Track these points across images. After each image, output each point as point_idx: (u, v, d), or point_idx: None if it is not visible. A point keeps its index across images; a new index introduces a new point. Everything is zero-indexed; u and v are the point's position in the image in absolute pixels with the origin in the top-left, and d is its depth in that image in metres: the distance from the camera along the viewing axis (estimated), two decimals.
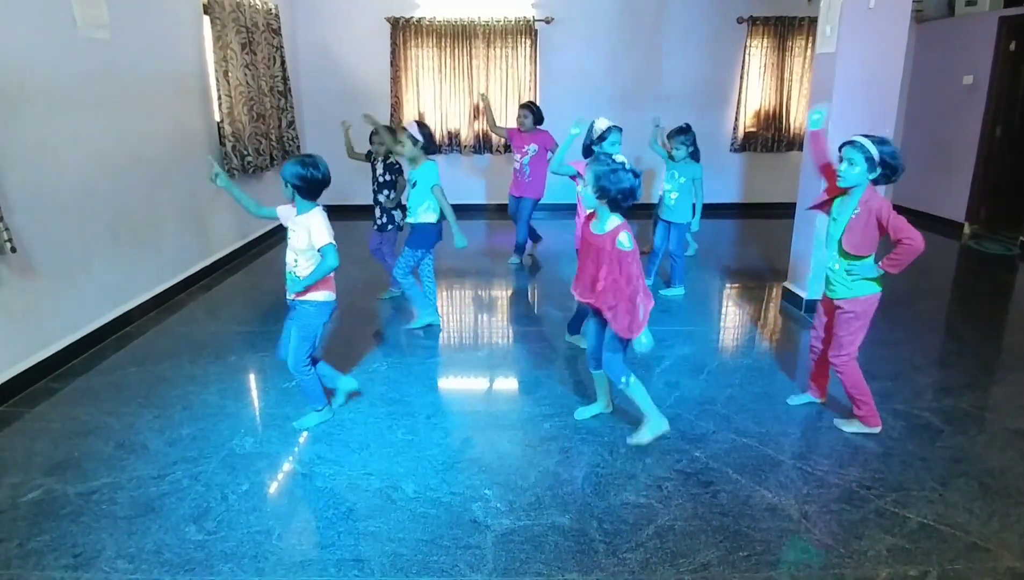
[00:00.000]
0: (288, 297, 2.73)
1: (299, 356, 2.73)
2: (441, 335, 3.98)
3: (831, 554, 2.11)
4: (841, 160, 2.54)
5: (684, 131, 4.38)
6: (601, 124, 3.46)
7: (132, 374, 3.38)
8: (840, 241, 2.59)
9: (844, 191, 2.60)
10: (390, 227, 4.34)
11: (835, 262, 2.65)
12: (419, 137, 3.81)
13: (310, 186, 2.62)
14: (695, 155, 4.41)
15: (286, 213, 2.74)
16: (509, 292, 4.83)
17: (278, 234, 6.30)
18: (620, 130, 3.47)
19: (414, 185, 3.75)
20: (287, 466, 2.61)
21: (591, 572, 2.04)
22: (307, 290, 2.67)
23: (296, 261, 2.66)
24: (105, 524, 2.24)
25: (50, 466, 2.57)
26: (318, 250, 2.63)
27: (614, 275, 2.47)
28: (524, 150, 5.17)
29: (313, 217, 2.64)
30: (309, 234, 2.61)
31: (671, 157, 4.43)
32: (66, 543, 2.15)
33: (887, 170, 2.49)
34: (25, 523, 2.25)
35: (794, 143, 7.22)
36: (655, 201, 5.18)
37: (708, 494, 2.41)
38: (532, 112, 5.15)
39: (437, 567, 2.06)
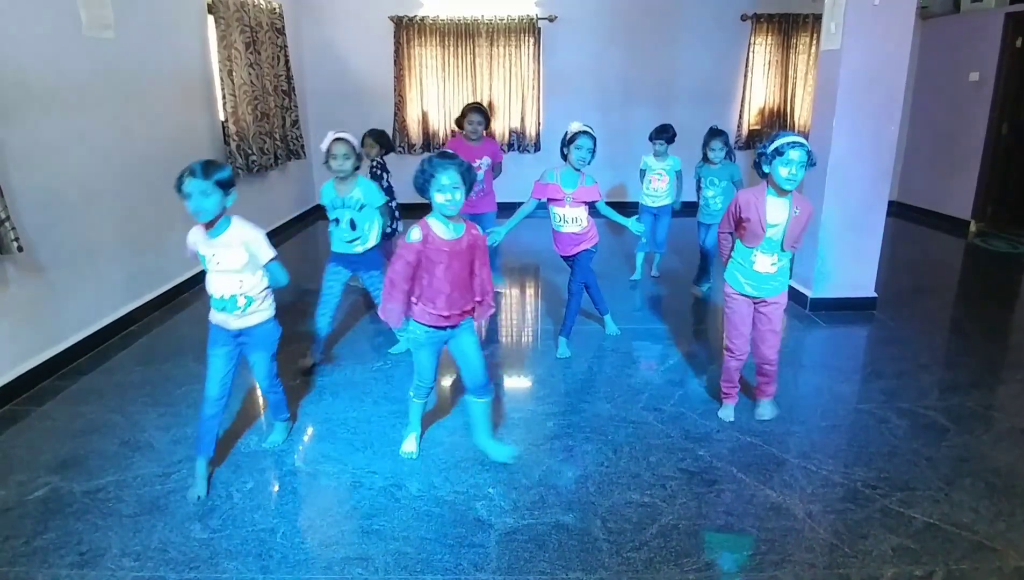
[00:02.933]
0: (230, 328, 2.38)
1: (273, 371, 2.56)
2: None
3: (836, 553, 2.10)
4: (783, 161, 2.46)
5: (718, 133, 4.28)
6: (573, 127, 3.34)
7: (138, 372, 3.39)
8: (783, 241, 2.59)
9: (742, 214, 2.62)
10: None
11: (774, 261, 2.63)
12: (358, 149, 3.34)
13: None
14: (730, 155, 4.34)
15: (198, 237, 2.33)
16: (511, 291, 4.83)
17: (285, 232, 6.32)
18: (592, 137, 3.31)
19: (362, 208, 3.26)
20: (291, 464, 2.61)
21: (595, 571, 2.04)
22: (254, 311, 2.38)
23: (241, 282, 2.33)
24: (111, 522, 2.25)
25: (56, 464, 2.59)
26: (264, 267, 2.36)
27: (486, 265, 2.41)
28: (476, 165, 4.18)
29: (248, 229, 2.33)
30: (248, 251, 2.30)
31: (707, 161, 4.34)
32: (72, 541, 2.16)
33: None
34: (31, 521, 2.26)
35: None
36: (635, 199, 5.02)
37: (712, 493, 2.41)
38: (485, 117, 4.31)
39: (441, 565, 2.06)
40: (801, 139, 2.48)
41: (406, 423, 2.73)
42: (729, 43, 7.03)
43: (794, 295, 4.44)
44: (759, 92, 7.18)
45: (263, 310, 2.42)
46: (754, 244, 2.61)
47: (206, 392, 2.39)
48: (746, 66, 7.05)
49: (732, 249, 2.75)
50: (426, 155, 2.26)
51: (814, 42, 6.92)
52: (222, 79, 5.02)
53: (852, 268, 4.17)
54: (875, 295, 4.27)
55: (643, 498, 2.38)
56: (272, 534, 2.20)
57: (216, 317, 2.39)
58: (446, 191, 2.20)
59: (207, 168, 2.20)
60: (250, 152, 5.38)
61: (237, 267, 2.31)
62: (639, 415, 2.95)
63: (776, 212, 2.57)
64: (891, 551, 2.11)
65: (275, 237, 6.07)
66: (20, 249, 2.96)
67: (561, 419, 2.93)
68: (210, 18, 4.95)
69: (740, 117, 7.19)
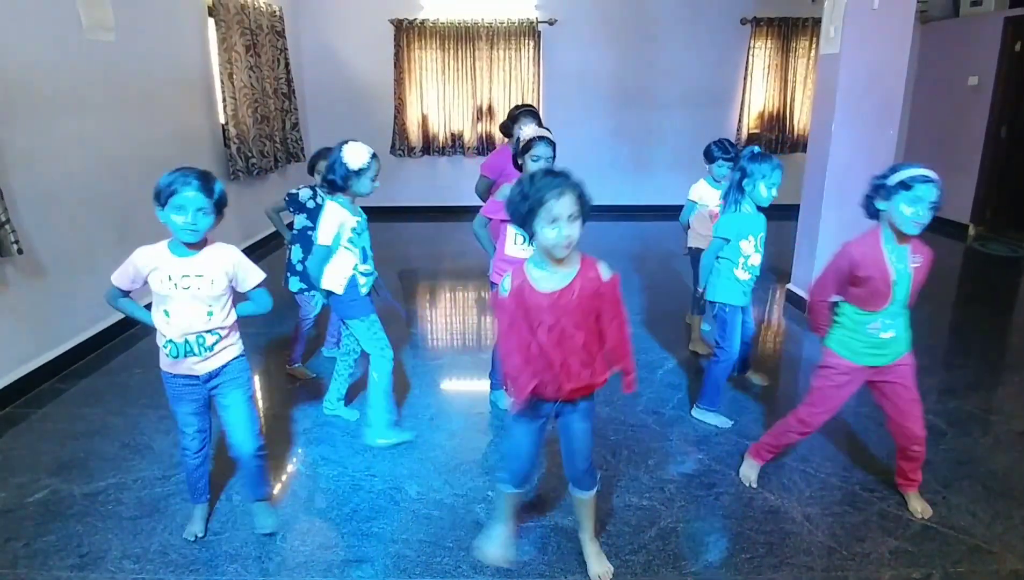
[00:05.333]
0: (197, 374, 1.99)
1: (256, 421, 2.12)
2: (444, 338, 3.99)
3: (834, 556, 2.11)
4: (910, 198, 1.99)
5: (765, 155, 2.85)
6: (527, 132, 2.69)
7: (137, 375, 3.40)
8: (907, 297, 2.11)
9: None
10: None
11: (901, 323, 2.14)
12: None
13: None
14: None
15: (159, 259, 1.92)
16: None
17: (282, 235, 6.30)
18: (551, 143, 2.65)
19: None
20: (291, 467, 2.62)
21: None
22: (223, 345, 2.01)
23: (211, 315, 1.94)
24: (111, 524, 2.26)
25: (56, 466, 2.59)
26: (252, 290, 2.04)
27: (618, 320, 1.76)
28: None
29: (234, 250, 2.00)
30: (230, 276, 1.97)
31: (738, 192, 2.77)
32: (72, 543, 2.17)
33: None
34: (32, 523, 2.26)
35: (797, 144, 7.20)
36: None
37: (711, 496, 2.42)
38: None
39: (440, 568, 2.06)
40: (933, 173, 2.00)
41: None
42: (729, 47, 7.04)
43: (793, 298, 4.45)
44: (759, 96, 7.19)
45: (234, 345, 2.05)
46: (879, 307, 2.08)
47: (185, 445, 2.12)
48: (746, 70, 7.06)
49: (834, 315, 2.22)
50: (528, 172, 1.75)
51: (813, 46, 6.93)
52: (222, 82, 5.03)
53: None
54: None
55: (641, 501, 2.38)
56: (272, 537, 2.20)
57: (177, 366, 1.97)
58: (560, 225, 1.62)
59: (208, 181, 1.87)
60: (250, 155, 5.40)
61: (214, 294, 1.94)
62: (638, 418, 2.96)
63: (899, 262, 2.06)
64: (889, 554, 2.12)
65: (274, 240, 6.09)
66: (20, 251, 2.96)
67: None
68: (211, 21, 4.96)
69: (740, 121, 7.20)
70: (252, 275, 2.02)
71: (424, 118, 7.12)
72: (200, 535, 2.20)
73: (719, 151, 3.40)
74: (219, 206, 1.91)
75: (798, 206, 4.38)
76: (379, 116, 7.03)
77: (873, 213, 2.10)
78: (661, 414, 2.99)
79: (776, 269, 5.23)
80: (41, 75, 3.28)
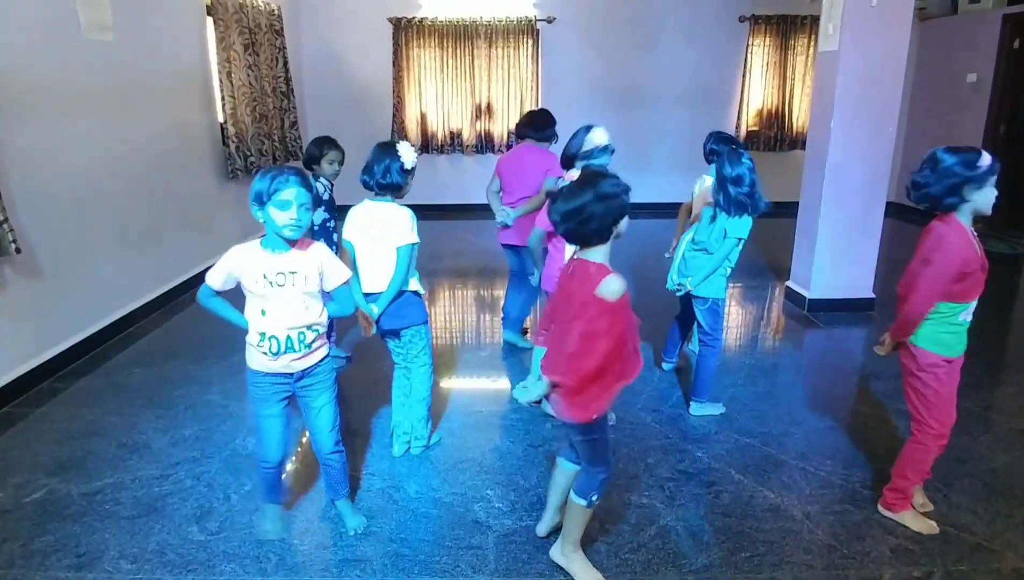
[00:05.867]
0: (292, 373, 1.99)
1: (339, 421, 2.15)
2: (443, 337, 3.98)
3: (834, 554, 2.10)
4: (993, 182, 2.02)
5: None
6: (601, 138, 2.73)
7: (136, 374, 3.39)
8: None
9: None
10: None
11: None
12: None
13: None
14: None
15: (253, 257, 1.92)
16: None
17: None
18: (612, 152, 2.76)
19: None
20: (289, 466, 2.61)
21: None
22: (319, 342, 2.03)
23: (308, 309, 1.95)
24: (108, 524, 2.25)
25: (54, 466, 2.58)
26: (336, 289, 2.03)
27: None
28: None
29: (320, 247, 2.02)
30: (319, 272, 1.97)
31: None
32: (69, 543, 2.16)
33: None
34: (29, 523, 2.26)
35: (796, 142, 7.20)
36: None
37: (710, 495, 2.41)
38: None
39: (439, 567, 2.06)
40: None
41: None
42: (727, 44, 7.04)
43: (792, 296, 4.45)
44: (757, 94, 7.19)
45: (326, 343, 2.07)
46: (977, 294, 2.06)
47: (265, 457, 2.08)
48: (744, 67, 7.06)
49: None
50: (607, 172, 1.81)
51: (812, 43, 6.93)
52: (221, 80, 5.02)
53: (850, 269, 4.18)
54: (873, 296, 4.28)
55: (641, 499, 2.37)
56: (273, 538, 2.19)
57: (273, 364, 1.96)
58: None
59: (305, 178, 1.87)
60: (249, 154, 5.38)
61: (309, 290, 1.94)
62: (637, 416, 2.95)
63: (980, 247, 2.05)
64: (889, 552, 2.11)
65: None
66: (18, 251, 2.95)
67: (559, 420, 2.91)
68: (209, 20, 4.95)
69: (738, 118, 7.20)
70: (338, 271, 2.02)
71: (423, 116, 7.12)
72: (285, 536, 2.17)
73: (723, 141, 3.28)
74: (315, 202, 1.94)
75: (796, 203, 4.37)
76: (378, 114, 7.02)
77: (950, 206, 2.04)
78: (660, 412, 2.99)
79: (775, 268, 5.22)
80: (39, 74, 3.27)
